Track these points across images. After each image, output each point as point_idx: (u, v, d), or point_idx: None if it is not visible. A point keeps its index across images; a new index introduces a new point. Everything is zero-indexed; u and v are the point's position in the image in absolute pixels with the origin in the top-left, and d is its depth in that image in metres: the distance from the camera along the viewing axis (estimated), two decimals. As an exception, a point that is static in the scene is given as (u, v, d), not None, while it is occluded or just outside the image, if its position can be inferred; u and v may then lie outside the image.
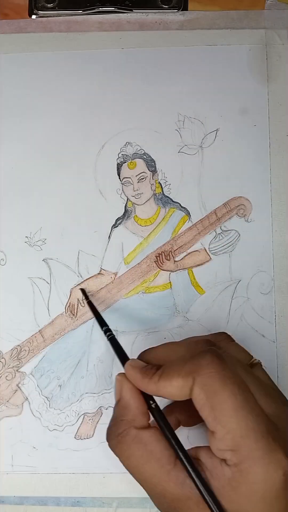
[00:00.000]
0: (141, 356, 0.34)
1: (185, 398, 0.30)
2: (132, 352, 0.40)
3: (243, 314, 0.40)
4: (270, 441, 0.28)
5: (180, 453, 0.30)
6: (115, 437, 0.31)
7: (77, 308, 0.41)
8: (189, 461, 0.30)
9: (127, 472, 0.38)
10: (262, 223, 0.41)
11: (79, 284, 0.41)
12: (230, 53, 0.43)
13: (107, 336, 0.36)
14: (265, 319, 0.40)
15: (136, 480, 0.31)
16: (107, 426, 0.39)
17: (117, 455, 0.32)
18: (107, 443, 0.32)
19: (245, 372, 0.31)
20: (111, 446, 0.32)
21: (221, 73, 0.42)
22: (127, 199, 0.42)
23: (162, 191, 0.42)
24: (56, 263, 0.41)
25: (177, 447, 0.30)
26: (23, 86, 0.43)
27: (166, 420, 0.32)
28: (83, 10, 0.43)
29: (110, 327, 0.37)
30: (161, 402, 0.33)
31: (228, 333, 0.35)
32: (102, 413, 0.40)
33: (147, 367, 0.32)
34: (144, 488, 0.31)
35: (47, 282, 0.41)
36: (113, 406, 0.39)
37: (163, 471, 0.30)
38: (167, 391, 0.31)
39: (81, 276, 0.41)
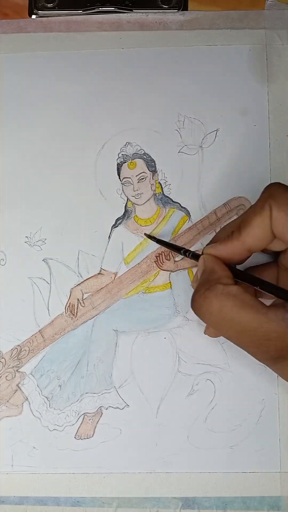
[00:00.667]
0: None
1: (269, 237, 0.32)
2: (133, 352, 0.40)
3: (243, 314, 0.40)
4: None
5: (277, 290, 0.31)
6: (203, 292, 0.31)
7: (77, 308, 0.41)
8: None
9: (128, 472, 0.39)
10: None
11: (79, 284, 0.41)
12: (230, 53, 0.43)
13: (188, 255, 0.36)
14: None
15: (231, 335, 0.31)
16: (107, 426, 0.39)
17: (204, 313, 0.31)
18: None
19: None
20: (197, 304, 0.32)
21: (221, 73, 0.42)
22: (127, 199, 0.42)
23: (162, 191, 0.42)
24: (56, 263, 0.41)
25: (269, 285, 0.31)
26: (23, 86, 0.43)
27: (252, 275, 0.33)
28: (83, 10, 0.43)
29: (110, 327, 0.37)
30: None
31: None
32: (102, 413, 0.40)
33: (222, 234, 0.34)
34: (241, 342, 0.30)
35: (47, 282, 0.41)
36: (113, 406, 0.39)
37: (260, 314, 0.29)
38: (252, 236, 0.32)
39: (81, 276, 0.41)
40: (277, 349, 0.29)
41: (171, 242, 0.40)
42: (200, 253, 0.35)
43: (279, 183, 0.32)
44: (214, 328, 0.33)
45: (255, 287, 0.32)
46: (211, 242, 0.36)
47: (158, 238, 0.40)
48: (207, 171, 0.41)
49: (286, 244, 0.33)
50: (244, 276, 0.33)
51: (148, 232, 0.41)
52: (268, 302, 0.33)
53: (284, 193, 0.31)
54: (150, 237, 0.40)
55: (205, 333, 0.37)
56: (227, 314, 0.30)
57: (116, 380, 0.40)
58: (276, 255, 0.37)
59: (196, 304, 0.32)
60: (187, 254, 0.37)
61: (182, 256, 0.41)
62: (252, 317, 0.29)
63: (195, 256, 0.36)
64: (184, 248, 0.37)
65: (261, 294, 0.34)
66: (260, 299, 0.31)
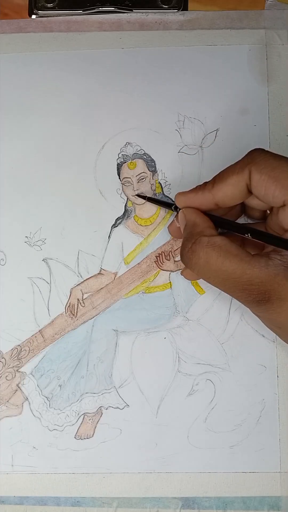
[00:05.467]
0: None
1: (240, 197, 0.33)
2: (133, 352, 0.40)
3: (243, 313, 0.40)
4: None
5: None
6: (190, 247, 0.33)
7: (77, 308, 0.41)
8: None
9: (127, 472, 0.39)
10: (262, 223, 0.41)
11: (79, 284, 0.41)
12: (230, 53, 0.43)
13: (178, 210, 0.37)
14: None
15: (217, 283, 0.33)
16: (107, 426, 0.39)
17: (193, 266, 0.33)
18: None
19: None
20: (186, 258, 0.34)
21: (221, 73, 0.42)
22: (127, 199, 0.42)
23: (162, 191, 0.42)
24: (56, 263, 0.41)
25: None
26: (23, 86, 0.43)
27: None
28: (83, 10, 0.43)
29: (110, 327, 0.38)
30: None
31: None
32: (102, 413, 0.40)
33: (197, 185, 0.35)
34: (227, 288, 0.32)
35: (47, 282, 0.41)
36: (113, 406, 0.39)
37: (244, 263, 0.31)
38: (223, 192, 0.34)
39: (81, 276, 0.41)
40: (259, 293, 0.31)
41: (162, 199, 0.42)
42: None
43: (261, 149, 0.33)
44: (201, 278, 0.34)
45: (241, 235, 0.34)
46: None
47: (148, 196, 0.41)
48: (207, 171, 0.41)
49: (269, 204, 0.34)
50: (226, 223, 0.35)
51: (147, 233, 0.41)
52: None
53: (265, 157, 0.32)
54: (141, 196, 0.41)
55: (181, 274, 0.39)
56: (213, 264, 0.32)
57: (116, 380, 0.40)
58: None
59: (185, 258, 0.34)
60: (177, 209, 0.37)
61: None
62: (236, 265, 0.31)
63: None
64: (174, 203, 0.37)
65: (247, 241, 0.36)
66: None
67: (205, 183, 0.35)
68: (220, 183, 0.34)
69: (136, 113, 0.42)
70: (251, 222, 0.39)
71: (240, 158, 0.41)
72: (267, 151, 0.33)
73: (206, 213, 0.35)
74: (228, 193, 0.34)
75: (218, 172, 0.41)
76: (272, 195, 0.32)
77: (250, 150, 0.34)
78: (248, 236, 0.33)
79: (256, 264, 0.31)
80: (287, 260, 0.31)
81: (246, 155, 0.34)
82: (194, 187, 0.36)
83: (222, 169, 0.41)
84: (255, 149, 0.34)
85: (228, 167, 0.34)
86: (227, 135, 0.42)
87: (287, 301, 0.31)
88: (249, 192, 0.33)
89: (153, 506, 0.39)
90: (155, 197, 0.41)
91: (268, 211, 0.37)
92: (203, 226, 0.34)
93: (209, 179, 0.41)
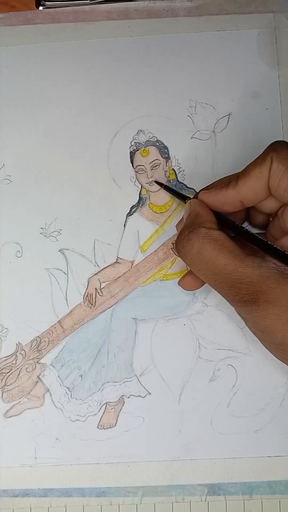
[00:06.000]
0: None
1: (263, 191, 0.32)
2: (152, 340, 0.40)
3: (262, 297, 0.40)
4: None
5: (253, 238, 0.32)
6: (186, 234, 0.32)
7: (95, 298, 0.40)
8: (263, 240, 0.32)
9: (152, 460, 0.39)
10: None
11: (96, 273, 0.41)
12: (239, 38, 0.42)
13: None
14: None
15: (207, 276, 0.32)
16: (129, 414, 0.39)
17: (185, 255, 0.33)
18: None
19: None
20: (180, 246, 0.33)
21: (231, 58, 0.42)
22: (141, 186, 0.41)
23: (176, 178, 0.41)
24: (73, 253, 0.41)
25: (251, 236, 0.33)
26: (33, 78, 0.43)
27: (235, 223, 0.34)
28: (90, 0, 0.43)
29: (129, 315, 0.38)
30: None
31: None
32: (124, 402, 0.39)
33: (219, 182, 0.34)
34: (215, 283, 0.32)
35: (64, 272, 0.41)
36: (135, 395, 0.39)
37: (237, 260, 0.31)
38: (248, 186, 0.32)
39: (98, 266, 0.41)
40: (248, 293, 0.30)
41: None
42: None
43: (284, 141, 0.33)
44: (192, 269, 0.34)
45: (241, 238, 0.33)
46: (207, 188, 0.36)
47: (165, 184, 0.41)
48: (221, 156, 0.41)
49: (277, 202, 0.33)
50: (230, 224, 0.34)
51: (163, 220, 0.41)
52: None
53: (287, 148, 0.32)
54: (159, 183, 0.41)
55: (178, 283, 0.38)
56: (206, 256, 0.31)
57: (137, 368, 0.40)
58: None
59: (179, 246, 0.33)
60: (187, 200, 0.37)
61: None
62: (229, 261, 0.31)
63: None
64: (189, 197, 0.37)
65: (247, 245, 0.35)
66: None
67: (229, 180, 0.34)
68: (244, 178, 0.33)
69: (147, 100, 0.42)
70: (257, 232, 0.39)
71: (253, 142, 0.41)
72: None
73: (214, 211, 0.35)
74: (252, 187, 0.32)
75: (232, 157, 0.41)
76: (284, 188, 0.31)
77: (270, 139, 0.33)
78: (237, 236, 0.33)
79: (250, 263, 0.30)
80: (281, 265, 0.30)
81: (269, 145, 0.33)
82: (215, 182, 0.35)
83: (236, 153, 0.41)
84: (279, 140, 0.33)
85: (251, 162, 0.33)
86: (239, 119, 0.41)
87: (274, 305, 0.30)
88: (269, 188, 0.33)
89: (179, 494, 0.39)
90: (170, 186, 0.41)
91: (271, 218, 0.36)
92: (205, 218, 0.33)
93: (223, 164, 0.41)
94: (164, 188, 0.41)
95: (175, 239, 0.41)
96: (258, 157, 0.33)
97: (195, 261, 0.32)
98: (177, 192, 0.40)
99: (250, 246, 0.33)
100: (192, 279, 0.37)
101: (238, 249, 0.31)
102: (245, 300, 0.30)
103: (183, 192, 0.41)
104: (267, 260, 0.31)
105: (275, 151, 0.32)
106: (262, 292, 0.30)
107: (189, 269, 0.37)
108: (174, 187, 0.41)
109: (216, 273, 0.31)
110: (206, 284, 0.40)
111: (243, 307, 0.31)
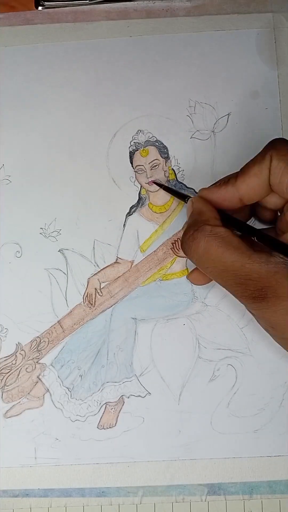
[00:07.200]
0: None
1: (263, 189, 0.32)
2: (152, 340, 0.40)
3: (261, 297, 0.40)
4: None
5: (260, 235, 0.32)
6: (191, 233, 0.32)
7: (95, 298, 0.40)
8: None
9: (152, 460, 0.39)
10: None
11: (96, 273, 0.41)
12: (238, 38, 0.42)
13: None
14: (284, 302, 0.40)
15: (215, 274, 0.32)
16: (129, 414, 0.39)
17: (192, 254, 0.32)
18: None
19: None
20: (186, 245, 0.33)
21: (230, 57, 0.42)
22: (141, 186, 0.41)
23: (176, 178, 0.41)
24: (72, 253, 0.41)
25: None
26: (33, 78, 0.43)
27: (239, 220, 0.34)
28: (89, 0, 0.43)
29: (128, 315, 0.38)
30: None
31: None
32: (124, 402, 0.39)
33: (219, 181, 0.34)
34: (223, 281, 0.32)
35: (63, 272, 0.41)
36: (135, 395, 0.39)
37: (244, 256, 0.30)
38: (247, 184, 0.32)
39: (97, 266, 0.41)
40: (256, 289, 0.30)
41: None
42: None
43: (283, 138, 0.33)
44: (199, 267, 0.34)
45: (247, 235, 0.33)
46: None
47: (165, 185, 0.41)
48: (221, 156, 0.41)
49: (281, 198, 0.33)
50: (233, 222, 0.34)
51: (162, 220, 0.41)
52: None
53: (287, 145, 0.32)
54: (158, 184, 0.41)
55: (187, 277, 0.39)
56: (212, 254, 0.31)
57: (137, 368, 0.40)
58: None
59: (185, 245, 0.33)
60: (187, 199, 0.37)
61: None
62: (236, 257, 0.31)
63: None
64: (189, 196, 0.37)
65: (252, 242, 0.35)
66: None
67: (229, 178, 0.34)
68: (243, 175, 0.33)
69: (146, 100, 0.42)
70: (265, 227, 0.39)
71: (253, 142, 0.41)
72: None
73: (217, 208, 0.35)
74: (251, 185, 0.33)
75: (232, 157, 0.41)
76: (286, 185, 0.31)
77: (270, 139, 0.33)
78: (254, 239, 0.32)
79: (257, 259, 0.30)
80: None
81: (268, 143, 0.33)
82: (218, 181, 0.35)
83: (235, 153, 0.41)
84: (277, 138, 0.33)
85: (250, 160, 0.33)
86: (239, 119, 0.41)
87: (284, 300, 0.30)
88: (270, 185, 0.33)
89: (179, 494, 0.39)
90: (170, 186, 0.41)
91: (279, 213, 0.36)
92: (209, 216, 0.33)
93: (222, 164, 0.41)
94: (163, 189, 0.41)
95: (176, 238, 0.41)
96: (257, 155, 0.33)
97: (202, 260, 0.32)
98: (176, 191, 0.40)
99: (255, 242, 0.33)
100: (200, 274, 0.37)
101: (244, 245, 0.31)
102: (254, 296, 0.30)
103: (183, 192, 0.41)
104: (274, 255, 0.31)
105: (275, 148, 0.32)
106: (271, 288, 0.30)
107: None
108: (173, 187, 0.41)
109: (224, 270, 0.31)
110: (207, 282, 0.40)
111: (252, 304, 0.31)
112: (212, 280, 0.37)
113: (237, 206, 0.34)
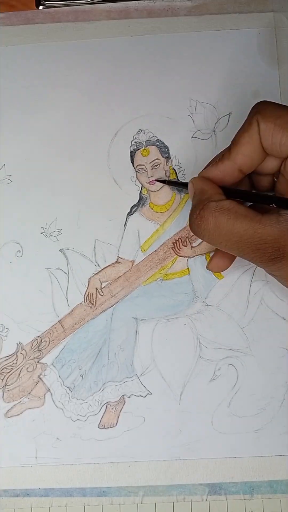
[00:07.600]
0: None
1: (258, 154, 0.33)
2: (153, 339, 0.40)
3: (263, 297, 0.40)
4: None
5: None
6: (198, 213, 0.32)
7: (96, 297, 0.40)
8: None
9: (153, 460, 0.39)
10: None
11: (96, 273, 0.41)
12: (239, 37, 0.42)
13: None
14: (285, 302, 0.40)
15: (229, 246, 0.32)
16: (130, 414, 0.39)
17: (202, 232, 0.33)
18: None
19: None
20: (195, 226, 0.33)
21: (231, 57, 0.42)
22: (142, 186, 0.41)
23: (177, 177, 0.41)
24: (73, 253, 0.41)
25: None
26: (33, 77, 0.43)
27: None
28: (90, 0, 0.43)
29: (129, 315, 0.38)
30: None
31: None
32: (125, 402, 0.39)
33: (214, 159, 0.35)
34: (240, 251, 0.32)
35: (64, 272, 0.41)
36: (136, 394, 0.39)
37: (254, 222, 0.31)
38: (242, 153, 0.33)
39: (98, 265, 0.41)
40: (274, 250, 0.31)
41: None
42: None
43: (265, 100, 0.33)
44: (212, 244, 0.34)
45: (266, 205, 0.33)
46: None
47: (166, 179, 0.41)
48: (221, 155, 0.41)
49: (277, 159, 0.34)
50: (236, 192, 0.34)
51: (163, 219, 0.41)
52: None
53: (270, 106, 0.32)
54: (159, 180, 0.41)
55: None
56: (223, 228, 0.31)
57: (138, 368, 0.40)
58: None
59: (194, 226, 0.33)
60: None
61: (199, 242, 0.41)
62: (247, 225, 0.31)
63: None
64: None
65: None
66: None
67: (223, 153, 0.34)
68: (236, 146, 0.33)
69: (147, 100, 0.42)
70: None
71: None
72: (271, 101, 0.33)
73: (224, 186, 0.35)
74: (246, 153, 0.33)
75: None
76: (279, 143, 0.32)
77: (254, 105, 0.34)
78: (273, 206, 0.32)
79: (267, 222, 0.31)
80: None
81: (252, 109, 0.33)
82: (212, 160, 0.35)
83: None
84: (259, 102, 0.33)
85: (239, 129, 0.34)
86: (240, 119, 0.41)
87: None
88: (264, 149, 0.33)
89: (180, 494, 0.39)
90: (175, 181, 0.41)
91: (275, 178, 0.36)
92: (211, 192, 0.34)
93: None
94: (166, 184, 0.40)
95: (176, 238, 0.41)
96: (244, 123, 0.33)
97: (213, 236, 0.32)
98: (179, 182, 0.41)
99: (262, 208, 0.33)
100: (219, 260, 0.37)
101: (252, 212, 0.31)
102: (272, 258, 0.31)
103: (183, 191, 0.41)
104: (282, 214, 0.31)
105: (259, 112, 0.32)
106: (287, 246, 0.30)
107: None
108: (174, 180, 0.41)
109: (238, 241, 0.31)
110: (207, 282, 0.40)
111: (272, 266, 0.31)
112: (231, 263, 0.37)
113: (239, 179, 0.35)
